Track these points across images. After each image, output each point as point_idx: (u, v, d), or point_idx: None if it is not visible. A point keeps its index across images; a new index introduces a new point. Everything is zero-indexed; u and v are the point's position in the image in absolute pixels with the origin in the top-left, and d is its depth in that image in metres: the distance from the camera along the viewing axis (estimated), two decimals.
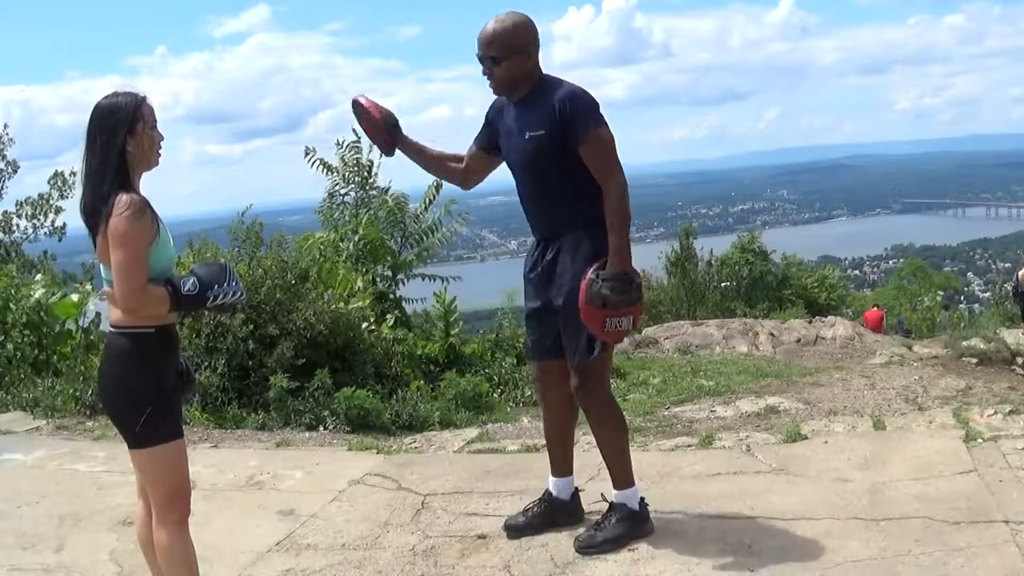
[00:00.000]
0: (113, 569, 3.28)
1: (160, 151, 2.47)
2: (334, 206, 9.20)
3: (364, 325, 6.58)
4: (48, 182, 15.74)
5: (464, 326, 8.20)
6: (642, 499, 3.22)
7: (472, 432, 4.94)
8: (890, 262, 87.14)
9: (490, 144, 3.25)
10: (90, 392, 5.54)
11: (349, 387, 5.60)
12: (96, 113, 2.39)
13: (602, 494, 3.30)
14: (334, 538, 3.43)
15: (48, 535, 3.61)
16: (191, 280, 2.41)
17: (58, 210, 15.34)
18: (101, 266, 2.43)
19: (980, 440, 3.90)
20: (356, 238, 8.43)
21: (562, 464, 3.36)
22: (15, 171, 16.72)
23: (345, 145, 9.14)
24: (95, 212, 2.36)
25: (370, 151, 9.05)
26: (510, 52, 2.98)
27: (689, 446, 4.30)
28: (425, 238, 8.95)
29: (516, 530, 3.29)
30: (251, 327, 5.75)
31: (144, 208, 2.33)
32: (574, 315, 3.00)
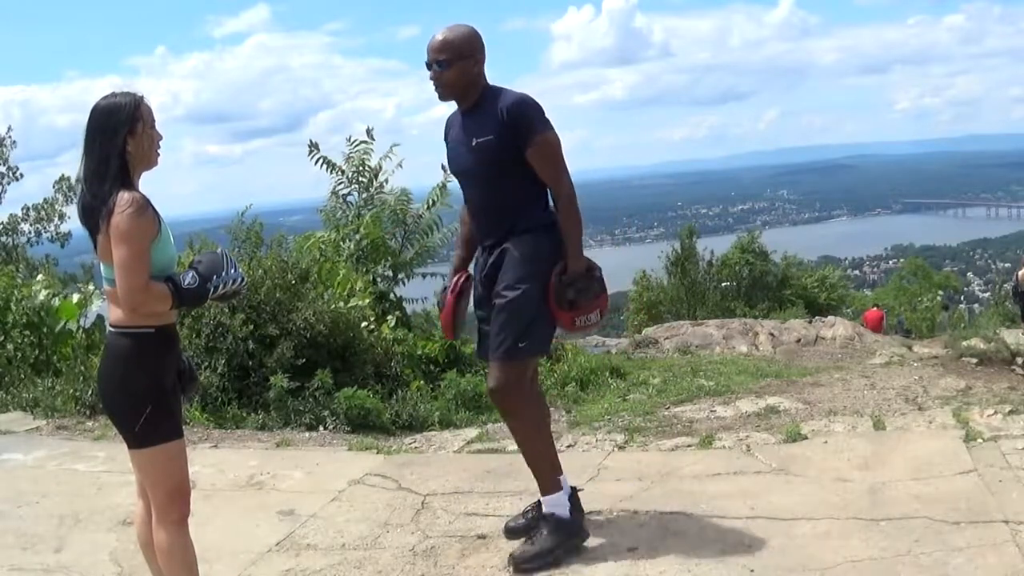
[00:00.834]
0: (113, 569, 3.28)
1: (159, 150, 2.47)
2: (337, 205, 9.18)
3: (364, 325, 6.58)
4: (53, 186, 15.75)
5: (464, 326, 8.20)
6: (572, 492, 3.14)
7: (472, 432, 4.94)
8: (890, 262, 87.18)
9: None
10: (90, 392, 5.54)
11: (349, 387, 5.60)
12: (95, 114, 2.39)
13: (537, 502, 3.21)
14: (334, 538, 3.43)
15: (48, 535, 3.61)
16: (190, 274, 2.41)
17: (62, 216, 15.33)
18: (102, 265, 2.43)
19: (980, 440, 3.90)
20: (358, 237, 8.42)
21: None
22: (18, 177, 16.71)
23: (353, 143, 9.11)
24: (94, 212, 2.36)
25: (382, 158, 9.03)
26: (458, 57, 3.04)
27: (689, 446, 4.30)
28: (426, 237, 8.94)
29: (516, 533, 3.27)
30: (251, 327, 5.75)
31: (146, 206, 2.33)
32: (506, 310, 3.02)
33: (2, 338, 6.71)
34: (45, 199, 15.61)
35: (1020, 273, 11.31)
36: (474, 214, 3.23)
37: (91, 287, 7.67)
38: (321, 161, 9.11)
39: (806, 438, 4.21)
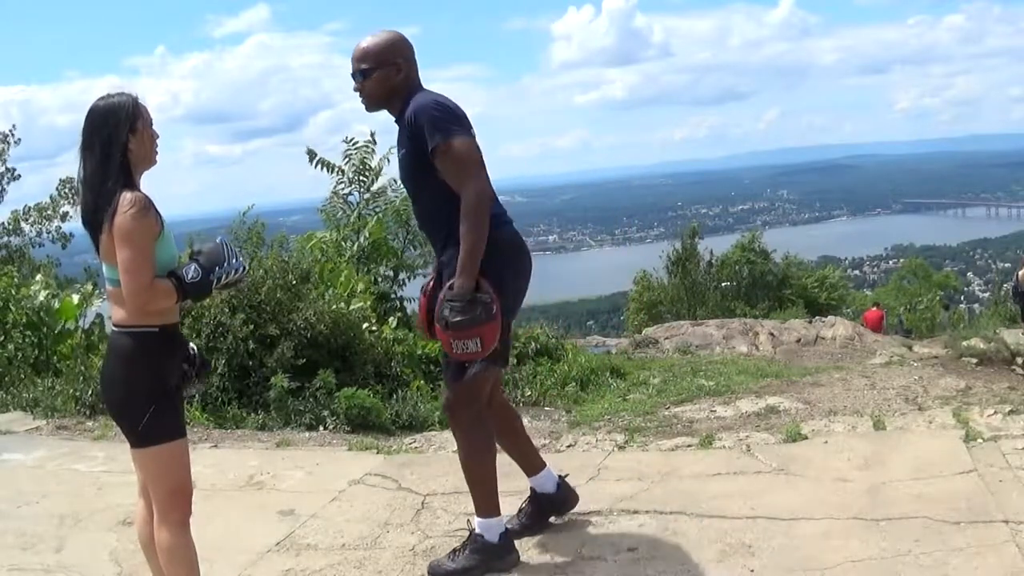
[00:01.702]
0: (113, 569, 3.28)
1: (157, 150, 2.48)
2: (337, 205, 9.18)
3: (365, 326, 6.58)
4: (57, 188, 15.72)
5: None
6: (505, 531, 3.06)
7: None
8: (890, 262, 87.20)
9: None
10: (90, 392, 5.54)
11: (349, 387, 5.60)
12: (93, 115, 2.39)
13: (468, 519, 3.18)
14: (334, 538, 3.43)
15: (48, 535, 3.61)
16: (193, 267, 2.41)
17: (64, 216, 15.31)
18: (104, 266, 2.43)
19: (980, 440, 3.90)
20: (361, 238, 8.42)
21: (527, 464, 3.32)
22: (16, 177, 16.69)
23: (352, 143, 9.11)
24: (97, 213, 2.36)
25: (384, 157, 9.02)
26: (378, 64, 2.93)
27: (689, 446, 4.30)
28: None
29: (517, 534, 3.23)
30: (251, 327, 5.75)
31: (148, 206, 2.34)
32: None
33: (2, 338, 6.72)
34: (51, 196, 15.60)
35: (1020, 273, 11.32)
36: (418, 224, 3.14)
37: (90, 287, 7.67)
38: (321, 165, 9.12)
39: (806, 438, 4.21)
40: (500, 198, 3.04)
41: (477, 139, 2.94)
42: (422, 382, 6.48)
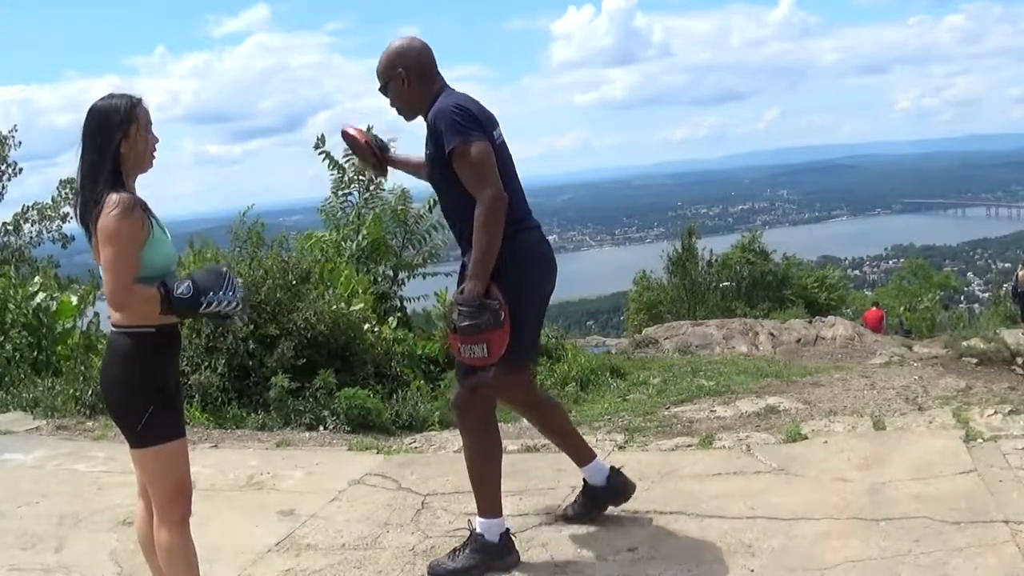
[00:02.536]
0: (113, 569, 3.28)
1: (155, 154, 2.47)
2: (337, 204, 9.18)
3: (365, 326, 6.58)
4: (58, 188, 15.70)
5: None
6: (505, 531, 3.08)
7: None
8: (890, 262, 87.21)
9: None
10: (90, 392, 5.54)
11: (349, 387, 5.60)
12: (91, 115, 2.39)
13: (469, 519, 3.19)
14: (334, 538, 3.43)
15: (48, 535, 3.61)
16: (185, 284, 2.37)
17: (65, 217, 15.31)
18: (100, 266, 2.43)
19: (980, 440, 3.90)
20: (359, 237, 8.42)
21: (576, 455, 3.36)
22: (16, 173, 16.66)
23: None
24: (88, 214, 2.37)
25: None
26: (387, 78, 3.00)
27: (689, 446, 4.30)
28: (427, 238, 8.94)
29: (568, 520, 3.35)
30: (251, 327, 5.75)
31: (132, 207, 2.32)
32: None
33: (2, 338, 6.71)
34: (52, 197, 15.59)
35: (1020, 273, 11.34)
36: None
37: (90, 287, 7.67)
38: (325, 157, 9.11)
39: (806, 438, 4.21)
40: None
41: (504, 138, 3.00)
42: (422, 382, 6.49)
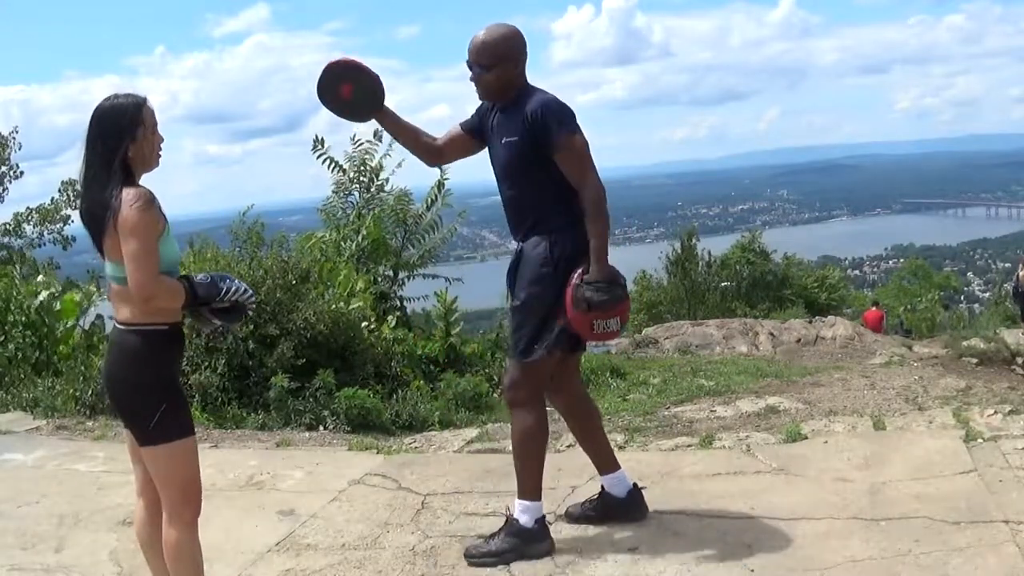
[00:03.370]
0: (113, 569, 3.28)
1: (160, 153, 2.48)
2: (338, 204, 9.17)
3: (364, 325, 6.58)
4: (59, 189, 15.70)
5: (464, 326, 8.22)
6: (542, 517, 3.15)
7: (472, 432, 4.93)
8: (890, 262, 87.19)
9: (475, 131, 3.31)
10: (90, 392, 5.54)
11: (349, 387, 5.60)
12: (97, 116, 2.39)
13: (507, 506, 3.24)
14: (334, 538, 3.43)
15: (48, 535, 3.61)
16: (203, 275, 2.49)
17: (66, 219, 15.30)
18: (108, 264, 2.42)
19: (980, 440, 3.90)
20: (359, 237, 8.42)
21: (600, 462, 3.38)
22: (18, 175, 16.65)
23: (357, 143, 9.12)
24: (96, 216, 2.37)
25: (383, 156, 9.04)
26: (498, 60, 3.07)
27: (689, 446, 4.30)
28: (426, 237, 8.95)
29: (572, 518, 3.36)
30: (251, 327, 5.75)
31: (152, 200, 2.35)
32: (520, 312, 3.07)
33: (2, 338, 6.71)
34: (53, 198, 15.58)
35: (1020, 273, 11.33)
36: (505, 209, 3.23)
37: (92, 287, 7.66)
38: (325, 157, 9.11)
39: (806, 438, 4.22)
40: (494, 198, 3.11)
41: None
42: (422, 382, 6.48)
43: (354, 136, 9.17)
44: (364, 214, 8.90)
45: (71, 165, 2.42)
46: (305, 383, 5.57)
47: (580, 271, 3.00)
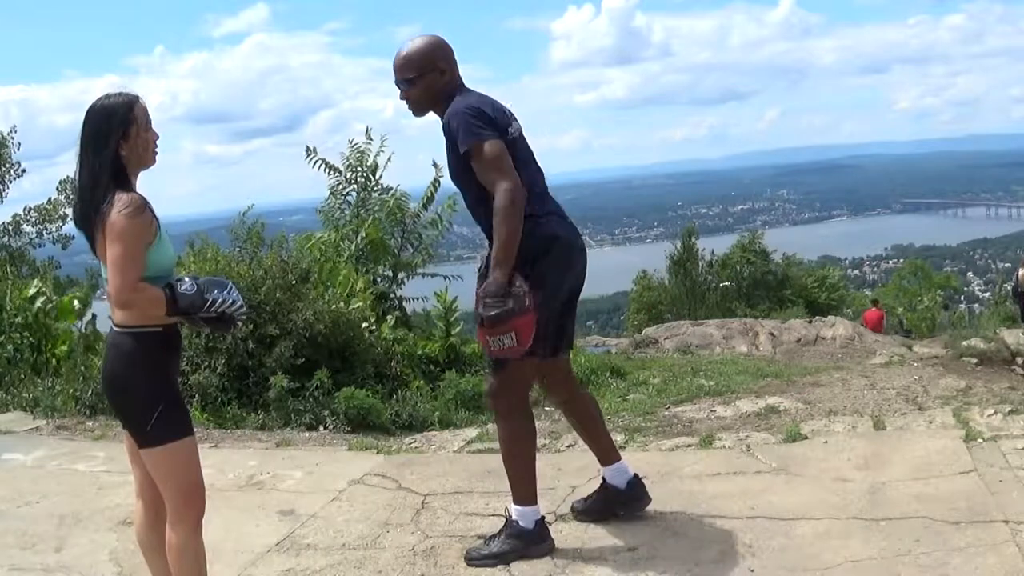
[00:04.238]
0: (113, 569, 3.28)
1: (156, 150, 2.47)
2: (336, 205, 9.18)
3: (364, 325, 6.58)
4: (57, 188, 15.72)
5: (464, 326, 8.23)
6: (541, 519, 3.13)
7: (472, 432, 4.94)
8: (890, 262, 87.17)
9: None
10: (90, 392, 5.54)
11: (349, 387, 5.60)
12: (89, 117, 2.39)
13: (506, 507, 3.23)
14: (334, 538, 3.43)
15: (48, 535, 3.61)
16: (188, 282, 2.40)
17: (64, 218, 15.31)
18: (103, 266, 2.42)
19: (980, 440, 3.90)
20: (358, 238, 8.42)
21: (602, 454, 3.37)
22: (19, 175, 16.65)
23: (355, 146, 9.14)
24: (87, 216, 2.36)
25: (376, 154, 9.06)
26: (421, 72, 3.02)
27: (689, 446, 4.30)
28: (423, 235, 8.95)
29: (576, 514, 3.36)
30: (251, 327, 5.75)
31: (143, 207, 2.33)
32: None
33: (2, 338, 6.71)
34: (50, 199, 15.61)
35: (1020, 273, 11.33)
36: None
37: (91, 288, 7.66)
38: (320, 163, 9.13)
39: (806, 438, 4.21)
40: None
41: (522, 132, 3.05)
42: (422, 382, 6.48)
43: (352, 140, 9.22)
44: (362, 214, 8.91)
45: (71, 165, 2.42)
46: (305, 383, 5.57)
47: (484, 283, 2.89)
